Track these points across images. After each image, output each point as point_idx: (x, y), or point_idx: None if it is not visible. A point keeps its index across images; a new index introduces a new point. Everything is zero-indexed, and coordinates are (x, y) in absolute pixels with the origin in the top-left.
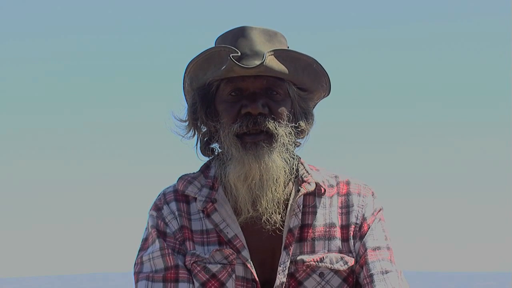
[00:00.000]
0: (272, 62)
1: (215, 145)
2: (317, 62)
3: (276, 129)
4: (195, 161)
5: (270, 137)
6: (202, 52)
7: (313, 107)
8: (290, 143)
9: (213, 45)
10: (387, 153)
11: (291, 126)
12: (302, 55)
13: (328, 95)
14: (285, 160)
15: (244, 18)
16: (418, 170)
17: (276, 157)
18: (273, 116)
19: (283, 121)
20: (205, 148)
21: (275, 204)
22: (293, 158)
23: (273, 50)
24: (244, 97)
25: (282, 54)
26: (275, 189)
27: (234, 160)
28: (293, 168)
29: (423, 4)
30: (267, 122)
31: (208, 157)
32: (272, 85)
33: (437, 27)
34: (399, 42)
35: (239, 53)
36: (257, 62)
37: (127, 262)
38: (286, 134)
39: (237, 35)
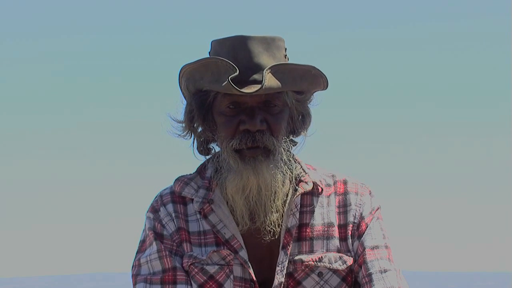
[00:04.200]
0: (271, 81)
1: (212, 145)
2: (315, 68)
3: (274, 145)
4: (194, 161)
5: (268, 152)
6: (198, 60)
7: (310, 102)
8: (289, 154)
9: (208, 47)
10: (387, 153)
11: (289, 138)
12: (299, 65)
13: (325, 89)
14: (283, 173)
15: (243, 18)
16: (418, 170)
17: (275, 171)
18: (272, 131)
19: (281, 135)
20: (202, 148)
21: (273, 214)
22: (293, 166)
23: (270, 68)
24: (242, 112)
25: (280, 69)
26: (274, 201)
27: (232, 172)
28: (292, 176)
29: (424, 4)
30: (265, 139)
31: (205, 156)
32: (270, 98)
33: (437, 27)
34: (400, 42)
35: (237, 71)
36: (256, 77)
37: (127, 262)
38: (284, 149)
39: (235, 45)
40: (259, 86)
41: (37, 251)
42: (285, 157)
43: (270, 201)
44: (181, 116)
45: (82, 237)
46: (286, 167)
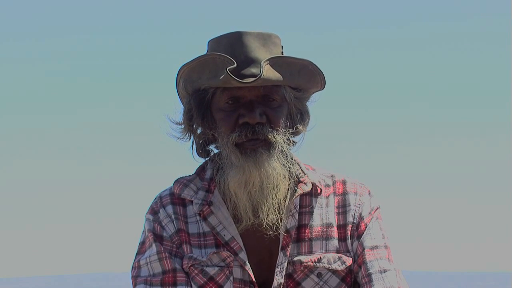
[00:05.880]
0: (269, 73)
1: (211, 147)
2: (312, 63)
3: (274, 137)
4: (194, 162)
5: (268, 145)
6: (196, 58)
7: (307, 100)
8: (288, 148)
9: (206, 48)
10: (387, 153)
11: (288, 132)
12: (297, 59)
13: (323, 89)
14: (284, 166)
15: (242, 18)
16: (418, 170)
17: (276, 164)
18: (271, 124)
19: (281, 128)
20: (201, 150)
21: (275, 209)
22: (292, 164)
23: (268, 60)
24: (241, 106)
25: (278, 61)
26: (276, 195)
27: (234, 167)
28: (292, 173)
29: (424, 4)
30: (265, 131)
31: (204, 158)
32: (269, 92)
33: (437, 27)
34: (400, 42)
35: (235, 64)
36: (254, 70)
37: (127, 262)
38: (284, 141)
39: (232, 41)
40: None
41: (37, 251)
42: (285, 150)
43: (272, 195)
44: (180, 117)
45: (82, 237)
46: (286, 160)
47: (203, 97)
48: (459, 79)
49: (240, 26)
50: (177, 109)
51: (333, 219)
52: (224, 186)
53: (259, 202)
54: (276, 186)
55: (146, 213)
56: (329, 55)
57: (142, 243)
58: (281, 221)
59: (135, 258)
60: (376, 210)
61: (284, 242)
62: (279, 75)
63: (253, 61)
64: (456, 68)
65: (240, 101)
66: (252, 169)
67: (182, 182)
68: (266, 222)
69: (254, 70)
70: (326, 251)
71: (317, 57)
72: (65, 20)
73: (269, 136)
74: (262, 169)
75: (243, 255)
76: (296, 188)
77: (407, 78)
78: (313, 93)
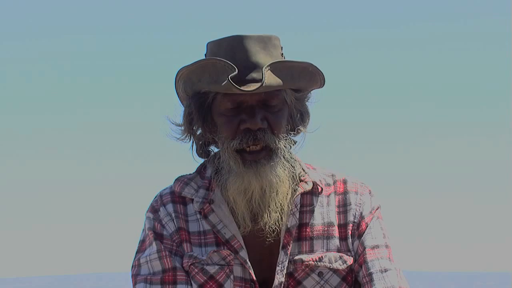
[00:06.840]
0: (270, 79)
1: (211, 148)
2: (313, 64)
3: (276, 143)
4: (194, 161)
5: (270, 152)
6: (196, 62)
7: (307, 100)
8: (289, 152)
9: (205, 49)
10: (387, 153)
11: (290, 135)
12: (297, 62)
13: (322, 87)
14: (285, 170)
15: (241, 18)
16: (418, 170)
17: (279, 170)
18: (273, 130)
19: (282, 133)
20: (201, 151)
21: (278, 212)
22: (294, 164)
23: (269, 65)
24: (243, 111)
25: (278, 66)
26: (278, 200)
27: (233, 174)
28: (295, 174)
29: (424, 4)
30: (267, 137)
31: (204, 159)
32: (270, 97)
33: (437, 27)
34: (400, 42)
35: (236, 71)
36: (255, 75)
37: (127, 262)
38: (285, 147)
39: (233, 45)
40: (259, 84)
41: (37, 251)
42: (286, 155)
43: (276, 202)
44: (180, 119)
45: (82, 237)
46: (288, 164)
47: (203, 101)
48: (459, 79)
49: (239, 25)
50: (177, 110)
51: (334, 218)
52: (222, 189)
53: (260, 209)
54: (278, 193)
55: (147, 212)
56: (329, 55)
57: (142, 242)
58: (281, 220)
59: (135, 257)
60: (376, 209)
61: (285, 240)
62: (279, 80)
63: (254, 66)
64: (456, 68)
65: (241, 106)
66: (252, 179)
67: (183, 180)
68: (268, 229)
69: (255, 75)
70: (327, 250)
71: (317, 57)
72: (65, 20)
73: (270, 143)
74: (264, 179)
75: (243, 253)
76: (296, 186)
77: (407, 78)
78: (312, 90)
